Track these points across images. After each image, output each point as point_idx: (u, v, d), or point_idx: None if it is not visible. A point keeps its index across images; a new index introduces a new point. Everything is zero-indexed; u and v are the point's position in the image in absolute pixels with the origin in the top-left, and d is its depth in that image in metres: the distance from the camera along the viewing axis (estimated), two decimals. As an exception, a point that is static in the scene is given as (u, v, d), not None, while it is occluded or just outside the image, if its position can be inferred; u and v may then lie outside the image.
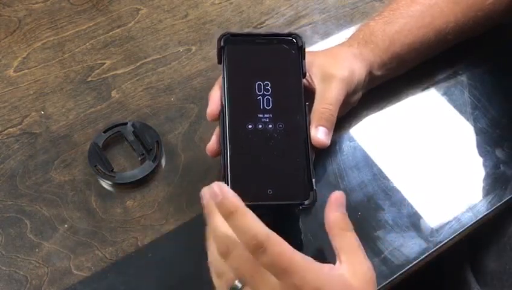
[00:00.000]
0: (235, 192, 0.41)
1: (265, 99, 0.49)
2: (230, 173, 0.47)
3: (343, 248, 0.44)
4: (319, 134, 0.50)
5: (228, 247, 0.42)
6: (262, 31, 0.53)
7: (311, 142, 0.50)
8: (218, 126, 0.50)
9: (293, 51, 0.51)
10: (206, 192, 0.43)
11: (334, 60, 0.55)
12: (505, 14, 0.63)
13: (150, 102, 0.63)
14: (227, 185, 0.46)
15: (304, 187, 0.48)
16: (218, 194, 0.41)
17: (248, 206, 0.41)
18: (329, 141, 0.51)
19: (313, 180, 0.48)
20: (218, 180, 0.46)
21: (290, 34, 0.52)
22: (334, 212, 0.45)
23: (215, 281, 0.44)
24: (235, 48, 0.50)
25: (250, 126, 0.48)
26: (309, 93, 0.53)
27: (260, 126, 0.48)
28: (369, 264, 0.43)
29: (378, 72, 0.58)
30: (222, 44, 0.50)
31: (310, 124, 0.50)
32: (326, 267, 0.42)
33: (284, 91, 0.50)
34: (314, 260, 0.41)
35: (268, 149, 0.48)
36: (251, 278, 0.41)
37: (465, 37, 0.63)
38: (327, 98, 0.52)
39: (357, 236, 0.45)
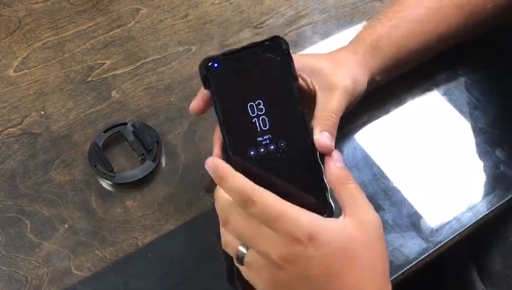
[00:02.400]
0: None
1: (260, 119, 0.46)
2: None
3: (346, 201, 0.44)
4: (324, 138, 0.48)
5: (227, 214, 0.44)
6: (243, 43, 0.50)
7: (316, 151, 0.47)
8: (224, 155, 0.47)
9: (279, 58, 0.48)
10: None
11: (337, 67, 0.54)
12: (502, 16, 0.63)
13: (150, 102, 0.63)
14: None
15: (320, 202, 0.46)
16: (211, 166, 0.45)
17: None
18: (333, 147, 0.49)
19: (327, 193, 0.46)
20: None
21: (273, 39, 0.48)
22: (333, 167, 0.46)
23: (227, 251, 0.46)
24: (219, 72, 0.47)
25: (252, 152, 0.46)
26: (307, 97, 0.52)
27: (262, 150, 0.46)
28: (374, 215, 0.44)
29: (379, 78, 0.58)
30: (205, 72, 0.47)
31: (312, 132, 0.48)
32: (325, 218, 0.43)
33: (279, 105, 0.47)
34: (307, 211, 0.42)
35: (277, 172, 0.46)
36: (251, 238, 0.42)
37: (464, 40, 0.63)
38: (330, 107, 0.51)
39: (359, 187, 0.45)
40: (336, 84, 0.52)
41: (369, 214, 0.44)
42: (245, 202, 0.42)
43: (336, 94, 0.52)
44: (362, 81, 0.55)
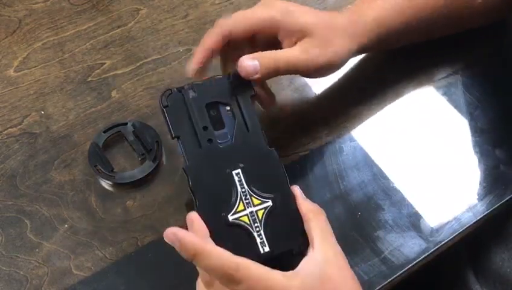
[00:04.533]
0: None
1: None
2: None
3: (316, 232, 0.45)
4: (249, 61, 0.48)
5: (210, 277, 0.43)
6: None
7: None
8: None
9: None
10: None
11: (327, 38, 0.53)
12: (491, 14, 0.63)
13: (150, 102, 0.62)
14: None
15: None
16: (175, 240, 0.42)
17: None
18: (252, 73, 0.49)
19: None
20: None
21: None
22: (304, 200, 0.47)
23: None
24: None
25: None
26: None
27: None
28: (339, 248, 0.45)
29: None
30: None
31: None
32: (303, 271, 0.43)
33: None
34: (291, 273, 0.42)
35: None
36: None
37: (451, 32, 0.63)
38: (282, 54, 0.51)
39: (327, 219, 0.46)
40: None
41: (335, 247, 0.45)
42: (229, 281, 0.40)
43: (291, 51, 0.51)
44: (339, 57, 0.54)
